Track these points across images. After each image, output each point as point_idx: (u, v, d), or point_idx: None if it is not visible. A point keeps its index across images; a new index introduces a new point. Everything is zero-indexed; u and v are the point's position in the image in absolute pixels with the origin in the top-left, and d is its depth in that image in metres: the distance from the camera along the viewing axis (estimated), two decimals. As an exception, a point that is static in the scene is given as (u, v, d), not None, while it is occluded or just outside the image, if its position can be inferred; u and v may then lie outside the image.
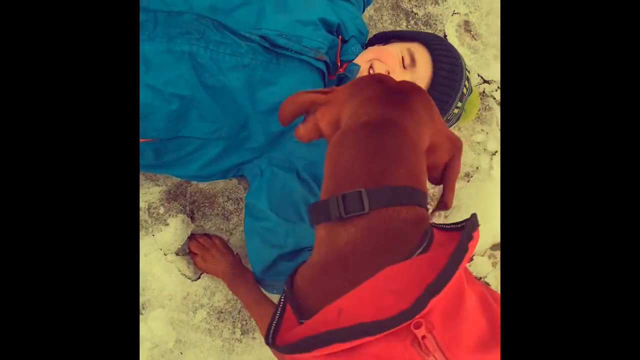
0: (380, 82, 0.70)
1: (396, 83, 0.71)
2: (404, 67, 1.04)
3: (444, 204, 0.72)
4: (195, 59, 0.94)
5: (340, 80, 1.06)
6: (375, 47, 1.10)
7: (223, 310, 1.17)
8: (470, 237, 0.55)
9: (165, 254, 1.13)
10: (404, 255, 0.57)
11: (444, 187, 0.71)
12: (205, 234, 1.17)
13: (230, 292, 1.15)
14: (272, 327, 0.62)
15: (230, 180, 1.19)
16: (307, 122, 0.74)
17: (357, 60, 1.07)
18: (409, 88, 0.70)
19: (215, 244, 1.15)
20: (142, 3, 0.92)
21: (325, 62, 1.04)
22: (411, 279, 0.54)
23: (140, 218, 1.12)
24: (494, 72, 1.43)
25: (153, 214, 1.13)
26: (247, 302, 1.07)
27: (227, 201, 1.20)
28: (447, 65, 1.05)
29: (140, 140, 0.96)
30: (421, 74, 1.04)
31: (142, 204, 1.13)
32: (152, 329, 1.11)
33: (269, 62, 0.99)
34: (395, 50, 1.06)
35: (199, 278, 1.16)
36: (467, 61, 1.36)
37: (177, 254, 1.15)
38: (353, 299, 0.54)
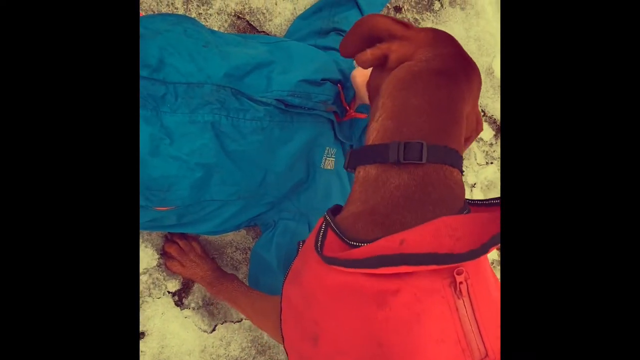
0: (457, 45, 0.74)
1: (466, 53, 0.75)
2: None
3: None
4: (218, 128, 0.97)
5: (352, 122, 1.12)
6: None
7: (239, 358, 1.21)
8: None
9: (181, 310, 1.15)
10: (455, 211, 0.63)
11: None
12: (183, 236, 1.16)
13: (245, 340, 1.19)
14: (318, 244, 0.66)
15: (240, 231, 1.23)
16: (377, 49, 0.74)
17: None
18: (473, 63, 0.75)
19: (193, 248, 1.15)
20: (160, 76, 0.94)
21: (334, 111, 1.10)
22: (469, 229, 0.59)
23: (153, 276, 1.14)
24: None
25: (165, 270, 1.15)
26: (235, 297, 1.07)
27: (235, 251, 1.23)
28: None
29: (165, 208, 0.98)
30: None
31: (155, 262, 1.14)
32: (172, 385, 1.13)
33: (284, 121, 1.03)
34: None
35: (214, 330, 1.19)
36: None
37: (192, 308, 1.17)
38: (415, 234, 0.58)
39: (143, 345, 1.11)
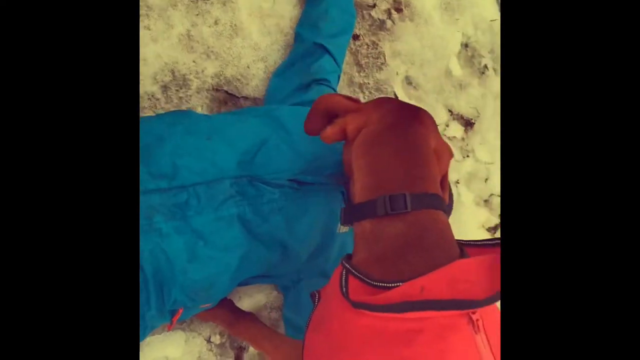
0: (398, 100, 0.83)
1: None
2: None
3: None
4: (243, 217, 1.00)
5: None
6: None
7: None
8: None
9: (236, 381, 1.20)
10: (453, 253, 0.70)
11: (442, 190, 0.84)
12: None
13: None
14: (343, 290, 0.71)
15: (271, 292, 1.27)
16: (335, 125, 0.84)
17: None
18: (418, 107, 0.83)
19: None
20: (178, 182, 0.95)
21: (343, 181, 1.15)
22: (481, 274, 0.66)
23: (208, 352, 1.17)
24: (440, 113, 1.64)
25: (215, 350, 1.19)
26: (256, 339, 1.12)
27: (271, 312, 1.28)
28: None
29: (209, 305, 1.02)
30: None
31: (205, 347, 1.17)
32: None
33: (297, 198, 1.07)
34: None
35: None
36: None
37: (246, 377, 1.22)
38: (432, 281, 0.64)
39: None
